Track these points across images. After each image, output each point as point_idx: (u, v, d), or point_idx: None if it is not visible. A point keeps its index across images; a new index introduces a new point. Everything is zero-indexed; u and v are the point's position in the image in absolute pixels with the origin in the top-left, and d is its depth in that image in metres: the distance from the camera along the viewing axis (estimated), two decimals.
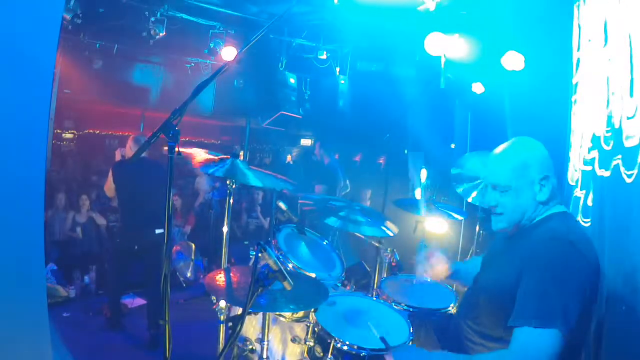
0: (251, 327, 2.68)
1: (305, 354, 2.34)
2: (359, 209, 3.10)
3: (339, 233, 5.04)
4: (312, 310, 2.30)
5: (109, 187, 4.53)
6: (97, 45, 7.09)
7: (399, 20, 5.25)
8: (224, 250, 2.75)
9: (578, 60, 2.86)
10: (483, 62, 4.69)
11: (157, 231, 4.40)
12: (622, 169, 1.98)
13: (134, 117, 9.27)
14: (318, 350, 2.26)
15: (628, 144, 1.93)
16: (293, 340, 2.43)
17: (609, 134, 2.16)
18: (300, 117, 8.35)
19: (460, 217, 3.67)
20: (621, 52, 2.03)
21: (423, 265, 2.35)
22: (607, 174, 2.16)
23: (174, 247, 5.96)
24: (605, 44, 2.31)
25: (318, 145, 6.99)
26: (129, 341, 4.44)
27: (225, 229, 2.77)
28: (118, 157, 4.67)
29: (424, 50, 4.80)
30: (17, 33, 1.34)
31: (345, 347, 2.14)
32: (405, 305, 2.60)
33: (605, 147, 2.20)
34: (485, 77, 5.21)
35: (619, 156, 2.02)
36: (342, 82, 8.03)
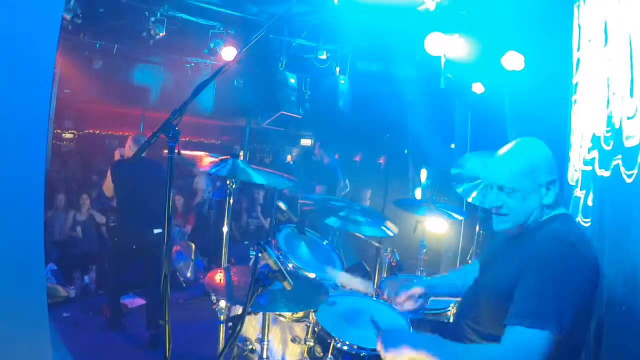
0: (251, 327, 2.68)
1: (305, 354, 2.34)
2: (359, 209, 3.09)
3: (339, 233, 5.04)
4: (312, 310, 2.30)
5: (108, 186, 4.53)
6: (97, 45, 7.10)
7: (399, 20, 5.26)
8: (224, 250, 2.75)
9: (578, 60, 2.85)
10: (483, 62, 4.68)
11: (156, 231, 4.40)
12: (622, 169, 1.98)
13: (134, 117, 9.27)
14: (318, 350, 2.26)
15: (628, 144, 1.93)
16: (293, 340, 2.43)
17: (609, 134, 2.16)
18: (300, 117, 8.35)
19: (460, 217, 3.67)
20: (621, 52, 2.03)
21: (392, 297, 2.30)
22: (607, 174, 2.16)
23: (174, 247, 5.96)
24: (605, 44, 2.31)
25: (318, 145, 6.98)
26: (129, 341, 4.44)
27: (225, 229, 2.77)
28: (117, 157, 4.67)
29: (424, 50, 4.80)
30: (17, 33, 1.34)
31: (345, 347, 2.14)
32: None
33: (606, 147, 2.20)
34: (485, 77, 5.20)
35: (619, 156, 2.02)
36: (342, 82, 8.03)
